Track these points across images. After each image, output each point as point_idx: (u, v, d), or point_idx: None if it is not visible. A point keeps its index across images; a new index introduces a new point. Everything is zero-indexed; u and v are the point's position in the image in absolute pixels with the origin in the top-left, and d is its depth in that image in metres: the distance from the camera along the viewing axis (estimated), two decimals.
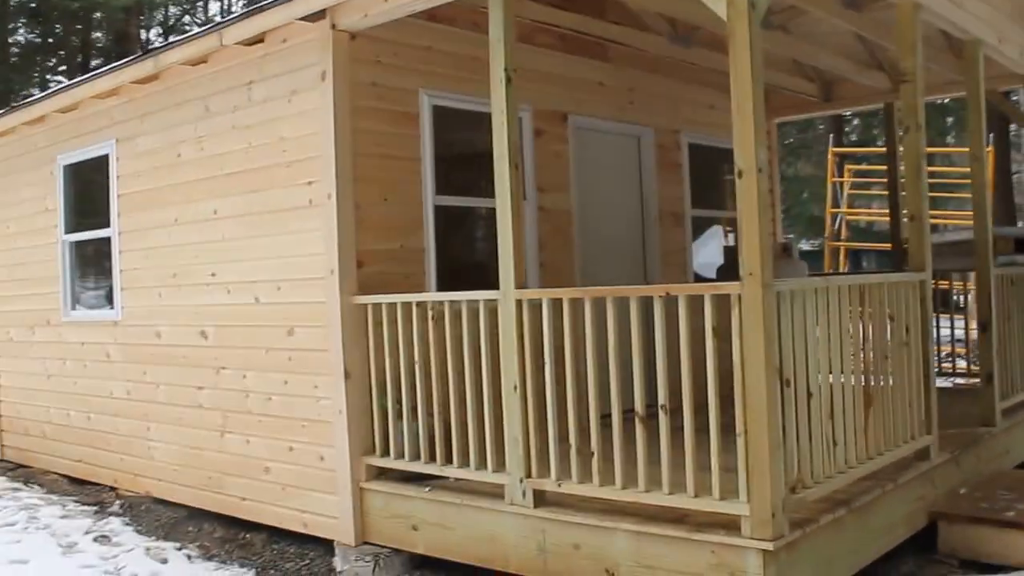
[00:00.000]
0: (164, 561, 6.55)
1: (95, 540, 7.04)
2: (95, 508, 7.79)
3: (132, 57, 7.36)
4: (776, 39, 8.07)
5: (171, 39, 7.35)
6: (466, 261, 7.18)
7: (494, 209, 5.31)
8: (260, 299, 6.66)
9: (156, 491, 7.71)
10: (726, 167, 9.77)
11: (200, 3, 29.51)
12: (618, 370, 4.91)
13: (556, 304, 5.17)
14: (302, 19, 6.05)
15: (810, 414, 4.79)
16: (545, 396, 5.20)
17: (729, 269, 9.72)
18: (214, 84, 7.03)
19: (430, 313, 5.73)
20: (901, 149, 6.26)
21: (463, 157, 7.10)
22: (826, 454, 4.93)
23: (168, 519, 7.42)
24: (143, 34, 27.12)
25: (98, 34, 27.02)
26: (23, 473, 9.19)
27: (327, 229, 6.10)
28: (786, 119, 11.53)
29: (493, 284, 5.94)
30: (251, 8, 6.29)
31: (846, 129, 26.63)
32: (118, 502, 7.85)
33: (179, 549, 6.77)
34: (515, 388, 5.27)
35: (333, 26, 6.06)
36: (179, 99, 7.36)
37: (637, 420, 4.82)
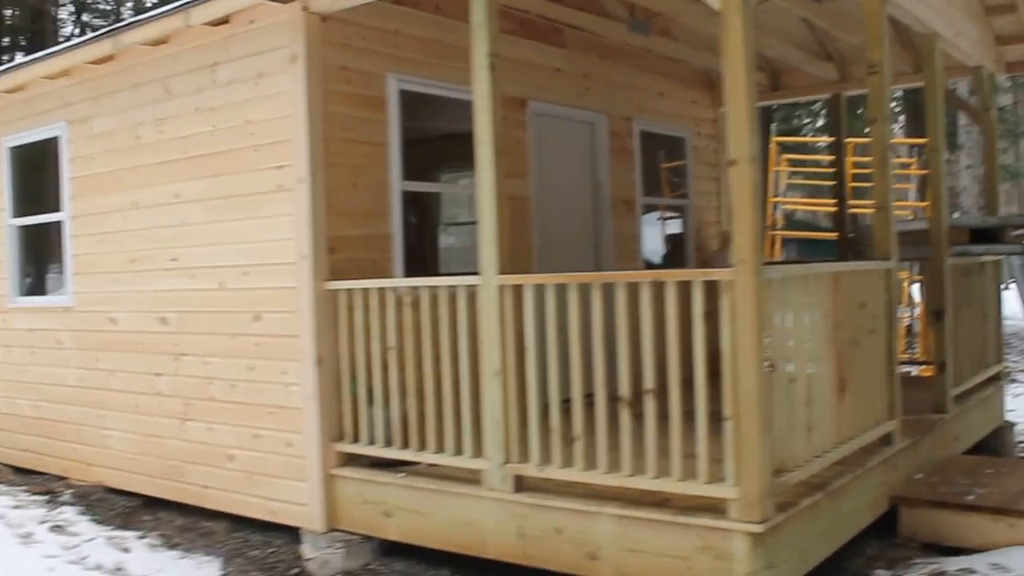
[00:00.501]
0: (126, 550, 6.40)
1: (51, 530, 6.85)
2: (46, 498, 7.58)
3: (89, 36, 7.15)
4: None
5: (132, 18, 7.10)
6: (430, 247, 7.13)
7: (460, 195, 5.31)
8: (225, 284, 6.55)
9: (110, 480, 7.54)
10: (673, 155, 9.89)
11: None
12: (604, 355, 4.94)
13: (538, 290, 5.18)
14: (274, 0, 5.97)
15: (791, 399, 4.87)
16: (525, 381, 5.22)
17: (673, 256, 9.89)
18: (175, 65, 6.88)
19: (406, 299, 5.69)
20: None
21: (427, 142, 7.06)
22: (803, 439, 5.02)
23: (123, 508, 7.27)
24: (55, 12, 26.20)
25: (8, 11, 26.00)
26: None
27: (298, 214, 6.02)
28: None
29: (459, 270, 5.89)
30: None
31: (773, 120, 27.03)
32: (69, 492, 7.65)
33: (140, 538, 6.63)
34: (496, 373, 5.26)
35: (305, 7, 5.96)
36: (137, 80, 7.19)
37: (621, 404, 4.85)
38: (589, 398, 4.97)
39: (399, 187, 6.63)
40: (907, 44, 9.14)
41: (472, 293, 5.40)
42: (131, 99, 7.24)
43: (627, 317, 4.84)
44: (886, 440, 6.11)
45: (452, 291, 5.51)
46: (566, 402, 5.10)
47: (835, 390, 5.44)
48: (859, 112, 18.11)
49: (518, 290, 5.26)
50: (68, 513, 7.20)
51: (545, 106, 8.01)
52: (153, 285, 7.10)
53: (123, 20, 23.04)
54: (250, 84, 6.36)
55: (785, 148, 14.86)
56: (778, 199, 13.66)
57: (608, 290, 4.92)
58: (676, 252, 9.72)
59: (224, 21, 6.38)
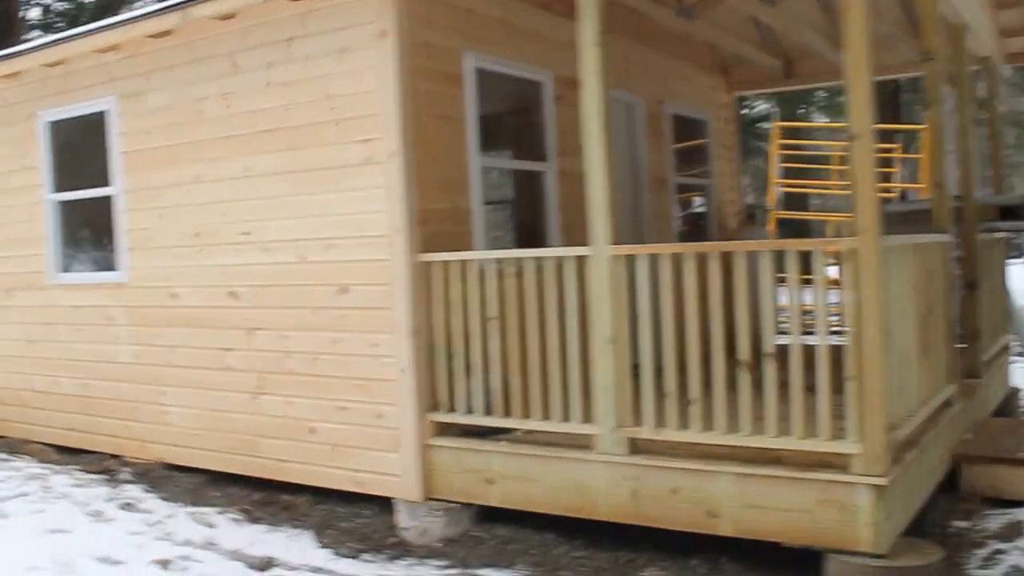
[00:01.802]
0: (211, 525, 6.43)
1: (121, 508, 6.84)
2: (104, 476, 7.55)
3: (154, 9, 7.09)
4: (759, 10, 8.43)
5: None
6: (506, 221, 7.27)
7: (529, 171, 5.43)
8: (306, 258, 6.61)
9: (170, 457, 7.55)
10: (697, 135, 10.17)
11: None
12: (723, 321, 5.16)
13: (652, 259, 5.38)
14: None
15: (891, 362, 5.16)
16: (637, 348, 5.42)
17: (697, 233, 10.17)
18: (244, 40, 6.89)
19: (509, 270, 5.84)
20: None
21: (498, 119, 7.17)
22: (899, 400, 5.31)
23: (189, 485, 7.27)
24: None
25: None
26: (5, 443, 8.79)
27: (389, 187, 6.12)
28: (747, 93, 11.98)
29: (537, 243, 6.04)
30: None
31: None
32: (127, 469, 7.63)
33: (220, 513, 6.65)
34: (609, 340, 5.45)
35: None
36: (198, 54, 7.18)
37: (741, 367, 5.08)
38: (681, 365, 5.19)
39: (477, 162, 6.75)
40: (917, 34, 9.50)
41: (580, 263, 5.58)
42: (191, 73, 7.23)
43: (770, 284, 5.06)
44: (947, 402, 6.46)
45: (559, 261, 5.68)
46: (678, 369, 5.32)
47: (918, 354, 5.75)
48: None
49: (629, 259, 5.46)
50: (133, 491, 7.19)
51: None
52: (221, 259, 7.12)
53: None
54: (331, 59, 6.42)
55: (786, 133, 15.24)
56: (780, 181, 14.06)
57: (726, 258, 5.15)
58: (699, 229, 9.98)
59: None
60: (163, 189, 7.46)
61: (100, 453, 8.06)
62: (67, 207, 8.40)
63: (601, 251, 5.48)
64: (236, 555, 5.92)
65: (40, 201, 8.47)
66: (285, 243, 6.73)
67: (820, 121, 26.53)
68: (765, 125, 22.74)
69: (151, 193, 7.55)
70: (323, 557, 5.91)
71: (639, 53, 8.97)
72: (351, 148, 6.34)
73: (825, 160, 15.22)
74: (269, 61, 6.76)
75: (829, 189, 14.68)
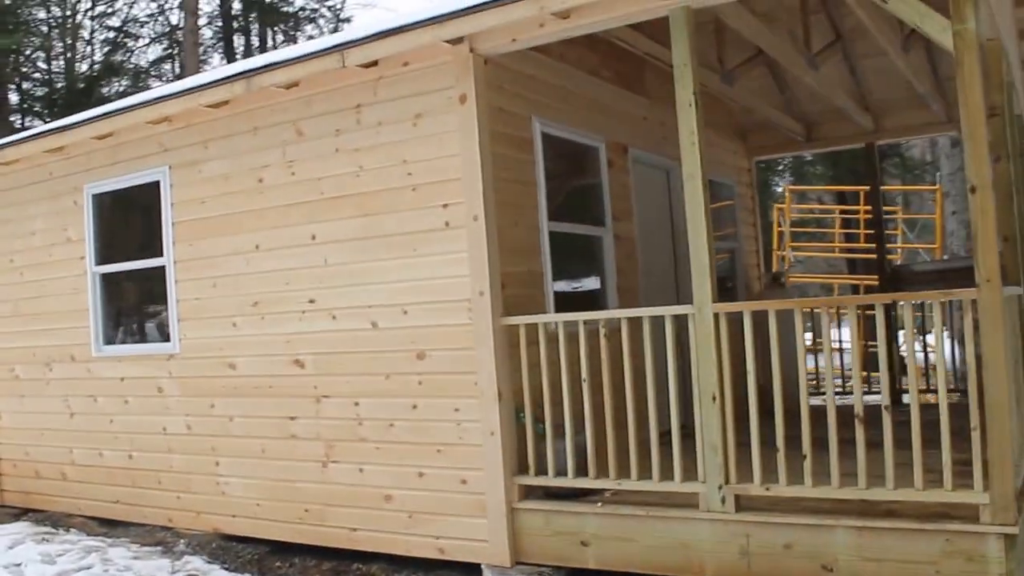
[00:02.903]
0: None
1: None
2: (160, 548, 7.34)
3: (214, 80, 7.09)
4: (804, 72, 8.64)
5: (268, 60, 7.08)
6: (569, 285, 7.28)
7: (589, 236, 5.49)
8: (378, 324, 6.55)
9: (228, 527, 7.35)
10: (723, 200, 10.31)
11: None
12: (831, 374, 5.19)
13: (758, 315, 5.42)
14: (447, 42, 6.10)
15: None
16: (740, 404, 5.43)
17: (724, 294, 10.24)
18: (308, 108, 6.91)
19: (603, 330, 5.85)
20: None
21: (560, 185, 7.23)
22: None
23: (251, 555, 7.09)
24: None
25: None
26: (41, 517, 8.51)
27: (473, 251, 6.11)
28: (764, 157, 12.20)
29: (598, 305, 6.15)
30: (386, 29, 6.23)
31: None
32: (182, 541, 7.41)
33: None
34: (713, 398, 5.46)
35: (472, 50, 6.13)
36: (258, 123, 7.17)
37: (857, 421, 5.11)
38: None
39: (547, 226, 6.79)
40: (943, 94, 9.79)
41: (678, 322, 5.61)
42: (251, 142, 7.22)
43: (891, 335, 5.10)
44: None
45: (657, 321, 5.71)
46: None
47: (1019, 402, 5.82)
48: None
49: (731, 317, 5.50)
50: (195, 562, 7.00)
51: (638, 152, 8.31)
52: (283, 328, 7.03)
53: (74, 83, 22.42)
54: (406, 125, 6.45)
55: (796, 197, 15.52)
56: (793, 244, 14.29)
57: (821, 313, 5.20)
58: (729, 292, 10.08)
59: (373, 64, 6.48)
60: (218, 258, 7.38)
61: (147, 525, 7.84)
62: (111, 279, 8.27)
63: (704, 309, 5.51)
64: None
65: (83, 273, 8.33)
66: (355, 310, 6.67)
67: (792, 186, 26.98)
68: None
69: (205, 263, 7.46)
70: None
71: (672, 119, 9.09)
72: (429, 213, 6.34)
73: (828, 224, 15.57)
74: (337, 128, 6.77)
75: (835, 252, 14.95)
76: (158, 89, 7.74)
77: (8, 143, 8.73)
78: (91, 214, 8.31)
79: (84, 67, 22.94)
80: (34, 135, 8.55)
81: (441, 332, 6.30)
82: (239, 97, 7.11)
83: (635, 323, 5.82)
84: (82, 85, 22.24)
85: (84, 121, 8.03)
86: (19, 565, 7.09)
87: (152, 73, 24.88)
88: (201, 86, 7.20)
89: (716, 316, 5.47)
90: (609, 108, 7.93)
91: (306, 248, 6.91)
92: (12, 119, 22.78)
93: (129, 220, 8.13)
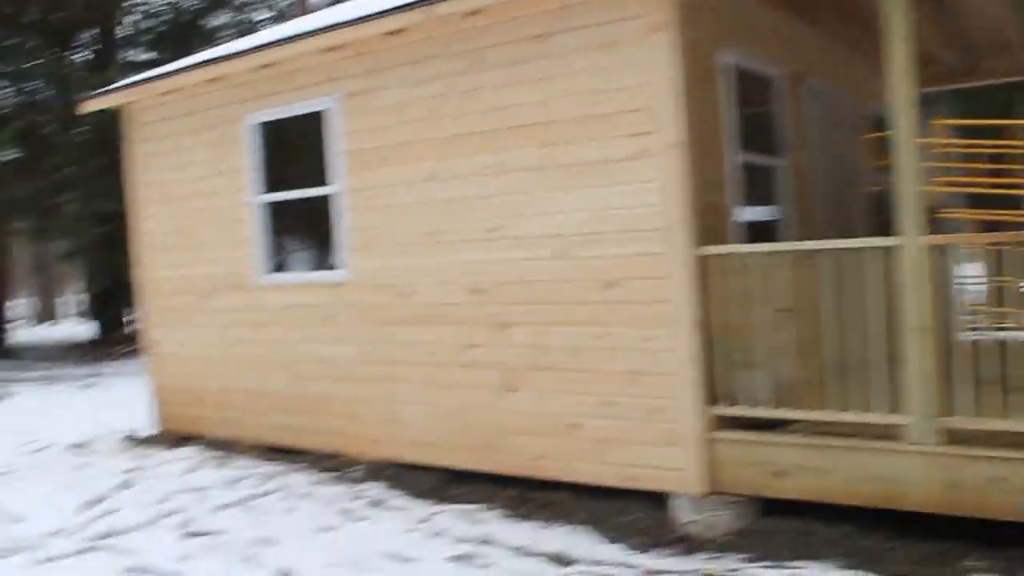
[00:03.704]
0: (481, 522, 6.40)
1: (370, 506, 6.84)
2: (335, 475, 7.53)
3: (392, 7, 7.08)
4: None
5: None
6: (750, 215, 7.24)
7: (768, 166, 5.43)
8: (567, 253, 6.58)
9: (402, 455, 7.51)
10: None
11: None
12: None
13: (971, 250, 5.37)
14: None
15: None
16: (949, 337, 5.40)
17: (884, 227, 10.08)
18: (489, 36, 6.88)
19: (807, 261, 5.84)
20: None
21: (744, 114, 7.14)
22: None
23: (428, 483, 7.22)
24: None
25: None
26: (206, 443, 8.77)
27: (667, 181, 6.10)
28: (926, 90, 11.93)
29: (777, 236, 6.11)
30: None
31: None
32: (355, 468, 7.58)
33: (486, 510, 6.61)
34: (921, 329, 5.43)
35: None
36: (435, 52, 7.17)
37: None
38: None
39: (733, 158, 6.74)
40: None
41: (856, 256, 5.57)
42: (428, 71, 7.22)
43: None
44: None
45: (858, 253, 5.68)
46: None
47: None
48: None
49: (938, 249, 5.45)
50: (374, 489, 7.17)
51: (813, 82, 8.19)
52: (461, 256, 7.10)
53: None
54: (596, 53, 6.40)
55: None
56: (945, 179, 14.00)
57: None
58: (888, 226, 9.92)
59: None
60: (392, 187, 7.44)
61: (315, 452, 8.03)
62: (272, 208, 8.39)
63: (913, 242, 5.46)
64: (525, 551, 5.89)
65: (245, 203, 8.47)
66: (541, 239, 6.71)
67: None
68: None
69: (378, 192, 7.53)
70: (616, 552, 5.87)
71: (845, 52, 8.99)
72: (619, 142, 6.32)
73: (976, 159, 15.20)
74: (521, 57, 6.74)
75: (985, 188, 14.58)
76: (326, 17, 7.74)
77: (168, 73, 8.83)
78: (253, 144, 8.41)
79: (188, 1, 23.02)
80: (194, 65, 8.61)
81: (633, 261, 6.32)
82: (416, 25, 7.12)
83: (831, 255, 5.79)
84: (187, 18, 22.41)
85: (244, 51, 8.09)
86: (203, 489, 7.33)
87: (260, 2, 24.77)
88: (378, 14, 7.19)
89: (924, 249, 5.43)
90: (788, 38, 7.81)
91: (487, 177, 6.94)
92: (119, 53, 23.12)
93: (291, 149, 8.21)
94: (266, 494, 7.08)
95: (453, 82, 7.09)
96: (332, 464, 7.75)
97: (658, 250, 6.19)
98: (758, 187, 7.45)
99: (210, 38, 21.28)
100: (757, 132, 7.49)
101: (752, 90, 7.43)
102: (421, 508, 6.77)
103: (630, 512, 6.42)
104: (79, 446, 9.48)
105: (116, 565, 5.82)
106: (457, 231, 7.12)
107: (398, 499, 6.99)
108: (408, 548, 5.96)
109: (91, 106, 9.75)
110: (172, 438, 9.16)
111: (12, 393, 15.39)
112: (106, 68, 22.23)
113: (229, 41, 10.03)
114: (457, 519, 6.48)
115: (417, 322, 7.38)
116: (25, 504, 7.17)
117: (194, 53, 9.55)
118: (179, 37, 22.02)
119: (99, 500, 7.22)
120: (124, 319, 28.95)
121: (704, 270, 6.12)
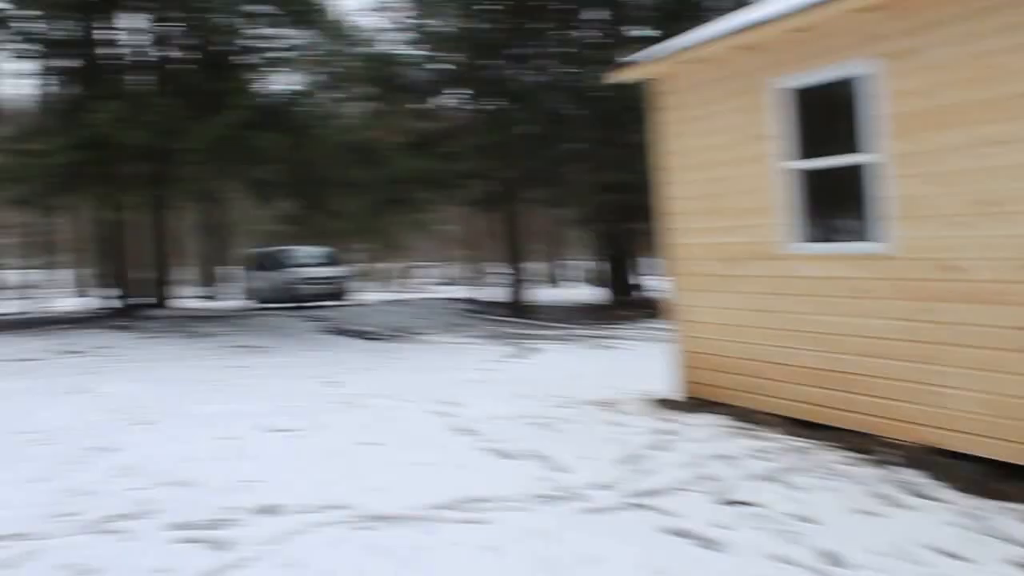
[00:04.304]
0: None
1: (909, 493, 6.42)
2: (864, 456, 7.20)
3: None
4: None
5: None
6: None
7: None
8: None
9: (942, 441, 6.96)
10: None
11: None
12: None
13: None
14: None
15: None
16: None
17: None
18: None
19: None
20: None
21: None
22: None
23: (974, 475, 6.59)
24: None
25: None
26: (726, 411, 8.85)
27: None
28: None
29: None
30: None
31: None
32: (886, 451, 7.17)
33: None
34: None
35: None
36: (987, 4, 6.51)
37: None
38: None
39: None
40: None
41: None
42: (979, 25, 6.57)
43: None
44: None
45: None
46: None
47: None
48: None
49: None
50: (909, 476, 6.73)
51: None
52: (1019, 230, 6.42)
53: None
54: None
55: None
56: None
57: None
58: None
59: None
60: (940, 153, 6.89)
61: (840, 430, 7.73)
62: (802, 175, 8.16)
63: None
64: None
65: (774, 169, 8.34)
66: None
67: None
68: None
69: (924, 157, 7.01)
70: None
71: None
72: None
73: None
74: None
75: None
76: None
77: (698, 42, 8.87)
78: (781, 110, 8.23)
79: None
80: (725, 33, 8.51)
81: None
82: None
83: None
84: None
85: (779, 16, 7.80)
86: (732, 457, 7.35)
87: None
88: None
89: None
90: None
91: None
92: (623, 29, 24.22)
93: (822, 115, 7.89)
94: (796, 469, 6.93)
95: (1013, 36, 6.38)
96: (862, 444, 7.39)
97: None
98: None
99: (704, 17, 21.48)
100: None
101: None
102: (966, 502, 6.24)
103: None
104: (605, 404, 9.95)
105: (655, 524, 5.98)
106: (1015, 201, 6.43)
107: (939, 489, 6.50)
108: (958, 545, 5.52)
109: (620, 76, 10.04)
110: (694, 403, 9.30)
111: (541, 349, 16.82)
112: (613, 46, 23.30)
113: (720, 18, 9.88)
114: (1010, 518, 5.91)
115: (970, 299, 6.76)
116: (568, 455, 7.62)
117: (686, 31, 9.51)
118: (676, 13, 22.48)
119: (633, 458, 7.49)
120: (631, 284, 30.37)
121: None
